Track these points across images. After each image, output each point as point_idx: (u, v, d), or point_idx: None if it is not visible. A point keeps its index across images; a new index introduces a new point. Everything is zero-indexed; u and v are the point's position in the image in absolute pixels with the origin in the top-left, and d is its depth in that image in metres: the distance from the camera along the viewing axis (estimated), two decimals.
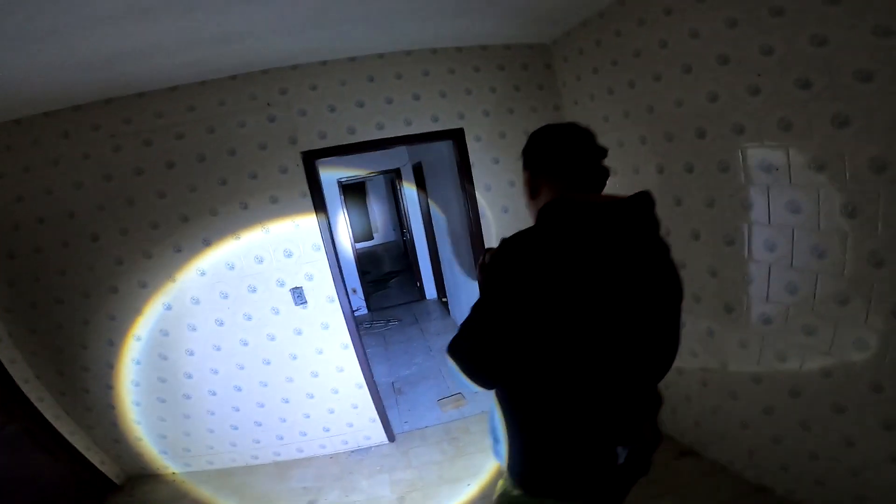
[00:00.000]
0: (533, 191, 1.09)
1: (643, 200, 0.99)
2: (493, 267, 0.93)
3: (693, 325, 2.34)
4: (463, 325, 0.94)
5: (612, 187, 1.09)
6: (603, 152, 1.05)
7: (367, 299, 6.70)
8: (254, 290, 2.84)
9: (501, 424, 1.03)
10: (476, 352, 0.91)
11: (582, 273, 0.87)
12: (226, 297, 2.83)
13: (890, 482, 1.69)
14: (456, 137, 2.88)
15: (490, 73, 2.93)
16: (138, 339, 2.84)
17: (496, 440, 1.08)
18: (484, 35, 2.76)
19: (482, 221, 2.98)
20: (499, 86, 2.95)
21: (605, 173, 1.04)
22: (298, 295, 2.86)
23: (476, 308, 0.93)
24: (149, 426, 3.03)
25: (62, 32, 1.70)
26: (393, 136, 2.81)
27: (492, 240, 3.02)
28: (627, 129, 2.51)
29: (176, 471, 3.16)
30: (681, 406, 2.59)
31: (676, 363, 1.07)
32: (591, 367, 0.91)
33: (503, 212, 3.02)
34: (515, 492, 1.03)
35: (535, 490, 0.98)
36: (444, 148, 3.57)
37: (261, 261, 2.81)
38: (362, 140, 2.78)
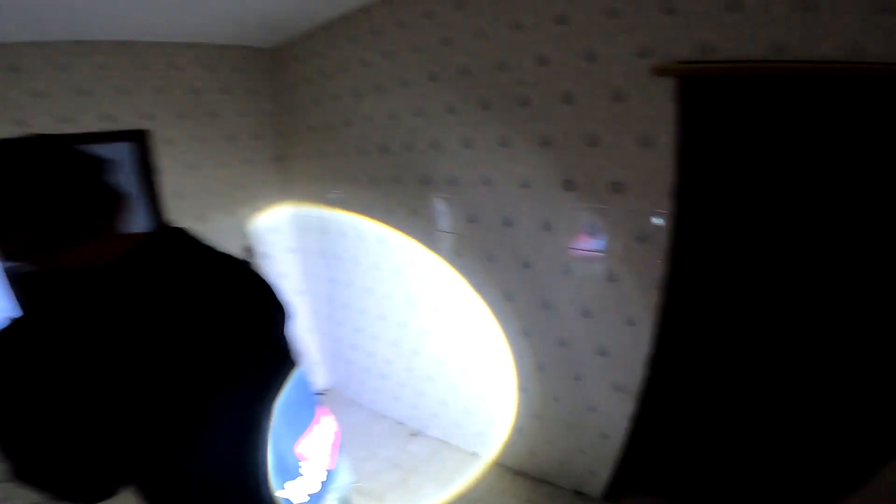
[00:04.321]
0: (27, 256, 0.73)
1: (158, 251, 0.74)
2: None
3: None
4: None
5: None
6: (82, 177, 0.73)
7: None
8: None
9: None
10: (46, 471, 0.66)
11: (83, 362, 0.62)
12: None
13: None
14: (136, 139, 2.56)
15: (194, 73, 2.69)
16: None
17: None
18: (193, 32, 2.51)
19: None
20: (203, 87, 2.74)
21: (87, 210, 0.73)
22: None
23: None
24: None
25: None
26: (46, 133, 2.37)
27: None
28: (343, 139, 2.64)
29: None
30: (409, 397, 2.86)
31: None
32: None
33: (197, 220, 2.76)
34: None
35: None
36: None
37: None
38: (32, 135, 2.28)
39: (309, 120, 2.77)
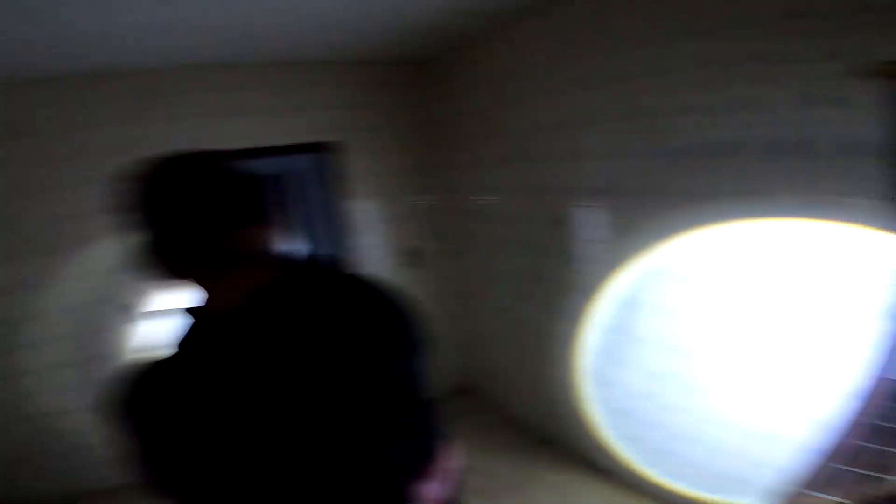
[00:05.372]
0: (177, 278, 0.75)
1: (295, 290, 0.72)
2: (113, 414, 0.69)
3: None
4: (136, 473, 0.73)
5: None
6: (230, 196, 0.72)
7: None
8: None
9: None
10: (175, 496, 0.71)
11: (208, 401, 0.66)
12: None
13: None
14: (330, 149, 2.96)
15: (369, 88, 3.03)
16: None
17: None
18: (355, 51, 2.80)
19: (350, 234, 3.08)
20: (378, 101, 3.07)
21: (232, 232, 0.71)
22: None
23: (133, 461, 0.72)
24: None
25: None
26: (258, 147, 2.77)
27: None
28: (494, 148, 2.69)
29: None
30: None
31: None
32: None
33: (373, 224, 3.11)
34: None
35: None
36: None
37: None
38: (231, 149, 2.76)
39: (455, 131, 2.93)
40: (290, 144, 2.87)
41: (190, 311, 0.73)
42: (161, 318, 2.73)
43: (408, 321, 0.82)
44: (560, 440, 2.67)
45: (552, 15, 2.15)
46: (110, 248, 2.53)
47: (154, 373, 0.69)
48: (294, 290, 0.73)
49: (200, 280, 0.73)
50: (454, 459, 0.85)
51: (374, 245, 3.08)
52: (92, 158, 2.53)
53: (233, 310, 0.69)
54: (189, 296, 0.75)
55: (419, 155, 3.18)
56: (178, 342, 0.70)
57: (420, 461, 0.79)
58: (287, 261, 0.78)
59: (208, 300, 0.72)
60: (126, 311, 2.73)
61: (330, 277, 0.79)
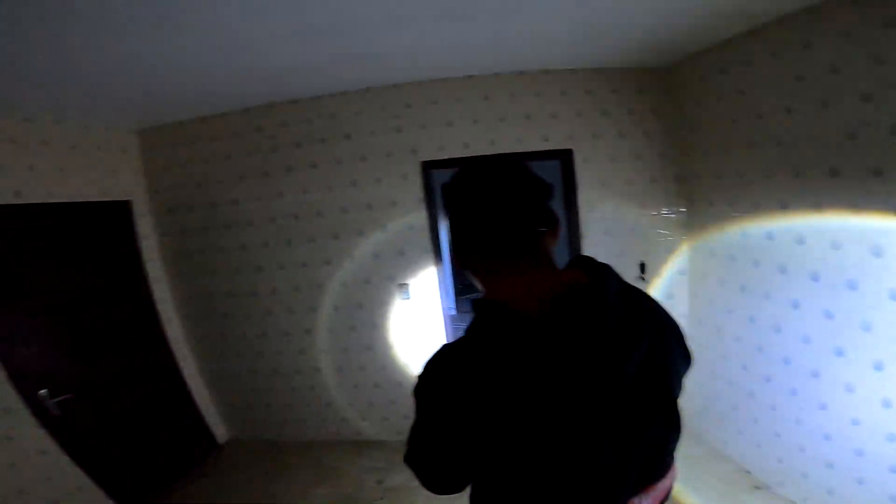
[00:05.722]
0: (471, 271, 0.82)
1: (589, 296, 0.72)
2: (415, 389, 0.76)
3: (797, 365, 2.31)
4: (408, 437, 0.81)
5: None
6: (535, 199, 0.77)
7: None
8: None
9: None
10: (424, 464, 0.80)
11: (505, 396, 0.68)
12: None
13: None
14: (564, 157, 2.99)
15: (603, 96, 2.97)
16: None
17: None
18: (599, 58, 2.79)
19: (583, 242, 3.07)
20: (611, 109, 2.97)
21: (534, 232, 0.77)
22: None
23: (412, 427, 0.80)
24: None
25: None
26: (503, 152, 2.97)
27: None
28: (750, 160, 2.48)
29: None
30: (767, 441, 2.52)
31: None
32: (540, 479, 0.71)
33: (605, 234, 3.06)
34: None
35: None
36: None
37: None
38: (475, 154, 3.00)
39: (725, 139, 2.65)
40: (537, 151, 3.01)
41: (485, 304, 0.75)
42: (435, 301, 3.20)
43: (682, 335, 0.83)
44: (775, 486, 2.48)
45: (824, 18, 1.96)
46: (397, 234, 3.12)
47: (459, 359, 0.73)
48: (592, 297, 0.72)
49: (496, 276, 0.78)
50: (671, 480, 0.83)
51: (605, 256, 3.04)
52: (378, 159, 3.09)
53: (539, 312, 0.70)
54: (480, 288, 0.80)
55: (656, 166, 3.03)
56: (479, 333, 0.73)
57: (657, 474, 0.78)
58: (578, 266, 0.81)
59: (505, 296, 0.75)
60: (402, 290, 3.19)
61: (618, 287, 0.77)
